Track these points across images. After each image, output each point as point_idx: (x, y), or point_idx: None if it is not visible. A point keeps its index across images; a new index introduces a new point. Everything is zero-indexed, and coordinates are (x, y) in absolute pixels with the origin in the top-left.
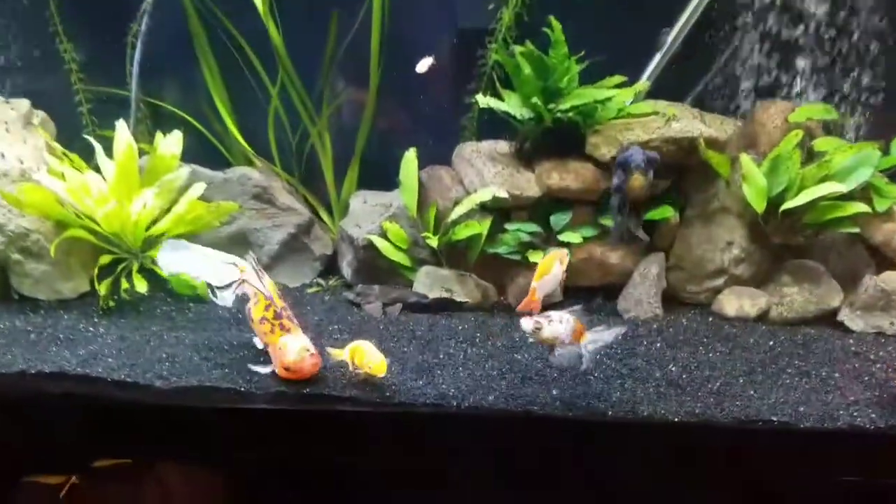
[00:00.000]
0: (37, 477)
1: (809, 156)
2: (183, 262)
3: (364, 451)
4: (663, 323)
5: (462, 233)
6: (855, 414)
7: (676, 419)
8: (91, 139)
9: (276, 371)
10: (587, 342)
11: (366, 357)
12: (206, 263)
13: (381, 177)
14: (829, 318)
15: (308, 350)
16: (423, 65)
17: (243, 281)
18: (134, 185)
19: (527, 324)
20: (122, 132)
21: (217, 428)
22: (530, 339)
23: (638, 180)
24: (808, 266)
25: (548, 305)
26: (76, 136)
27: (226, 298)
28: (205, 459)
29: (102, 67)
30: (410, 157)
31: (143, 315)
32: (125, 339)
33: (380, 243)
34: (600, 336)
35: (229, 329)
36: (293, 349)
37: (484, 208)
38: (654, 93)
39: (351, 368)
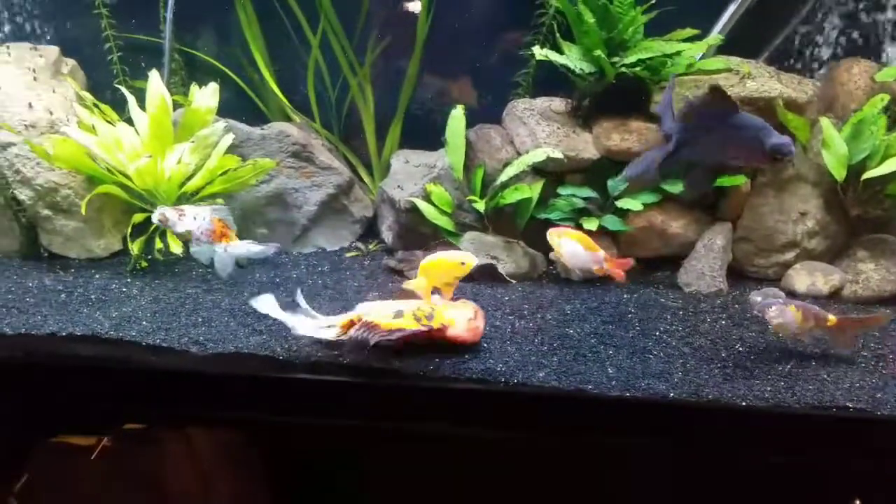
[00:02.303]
0: (67, 438)
1: (894, 121)
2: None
3: (404, 422)
4: (728, 298)
5: (511, 196)
6: None
7: (744, 403)
8: (124, 89)
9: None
10: (228, 245)
11: None
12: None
13: (426, 135)
14: None
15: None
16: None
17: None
18: (167, 140)
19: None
20: (155, 83)
21: (253, 395)
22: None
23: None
24: (887, 241)
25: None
26: (107, 86)
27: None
28: (238, 425)
29: (135, 13)
30: (458, 115)
31: (178, 276)
32: (159, 302)
33: (423, 206)
34: (247, 246)
35: (267, 293)
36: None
37: (535, 171)
38: (726, 48)
39: None
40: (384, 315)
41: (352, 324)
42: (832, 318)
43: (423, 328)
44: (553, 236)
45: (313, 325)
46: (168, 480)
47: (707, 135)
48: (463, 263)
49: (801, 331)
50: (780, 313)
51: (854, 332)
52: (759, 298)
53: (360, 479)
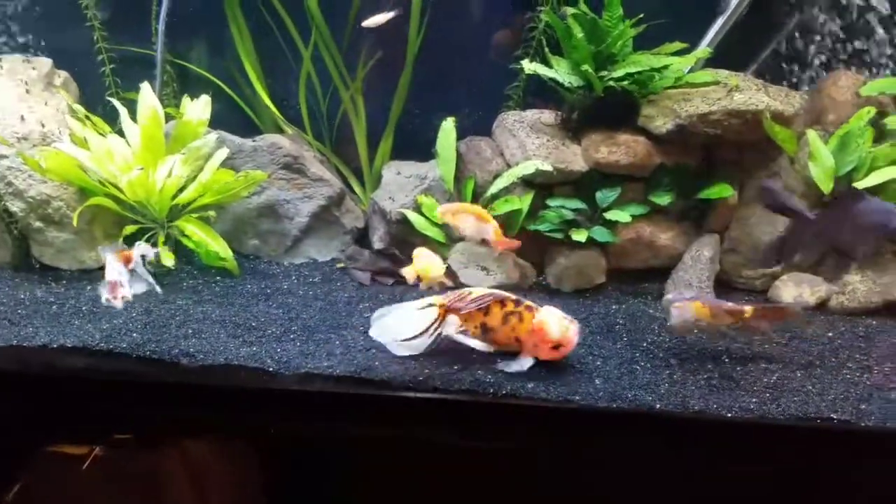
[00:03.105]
0: (59, 447)
1: (881, 134)
2: (387, 328)
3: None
4: None
5: (501, 208)
6: None
7: (730, 415)
8: (116, 102)
9: (539, 357)
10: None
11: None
12: (406, 319)
13: (417, 147)
14: (893, 310)
15: (566, 318)
16: (376, 19)
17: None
18: (159, 152)
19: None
20: (147, 95)
21: (244, 407)
22: None
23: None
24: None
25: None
26: (100, 98)
27: (420, 346)
28: (233, 434)
29: (127, 26)
30: (448, 127)
31: (169, 288)
32: (150, 313)
33: (413, 218)
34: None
35: (257, 304)
36: (554, 324)
37: (525, 182)
38: (714, 61)
39: None
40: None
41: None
42: (748, 309)
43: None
44: (448, 215)
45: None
46: (162, 489)
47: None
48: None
49: (710, 327)
50: (679, 313)
51: (770, 323)
52: (669, 297)
53: (354, 487)
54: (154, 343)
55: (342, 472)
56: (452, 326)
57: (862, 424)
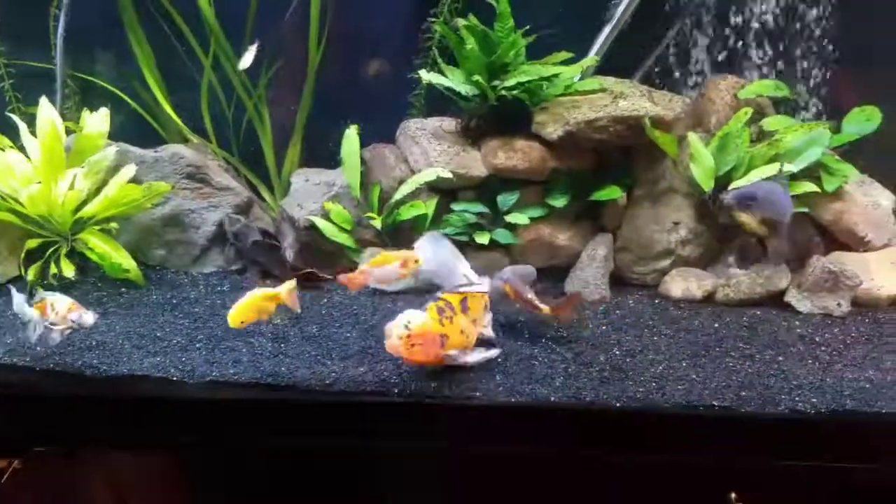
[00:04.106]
0: None
1: (760, 134)
2: (438, 257)
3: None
4: (610, 305)
5: (407, 213)
6: (797, 399)
7: (619, 404)
8: (15, 117)
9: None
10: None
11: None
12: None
13: (326, 154)
14: (776, 300)
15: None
16: (247, 58)
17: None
18: (59, 166)
19: None
20: (46, 109)
21: (148, 416)
22: None
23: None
24: (755, 247)
25: None
26: (0, 113)
27: None
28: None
29: (26, 40)
30: (351, 135)
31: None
32: None
33: (322, 224)
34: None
35: (163, 314)
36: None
37: (430, 188)
38: (603, 69)
39: None
40: None
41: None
42: (544, 308)
43: None
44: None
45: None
46: (83, 502)
47: None
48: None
49: (522, 308)
50: (496, 287)
51: (568, 313)
52: (499, 273)
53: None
54: (57, 356)
55: (265, 480)
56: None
57: (742, 411)
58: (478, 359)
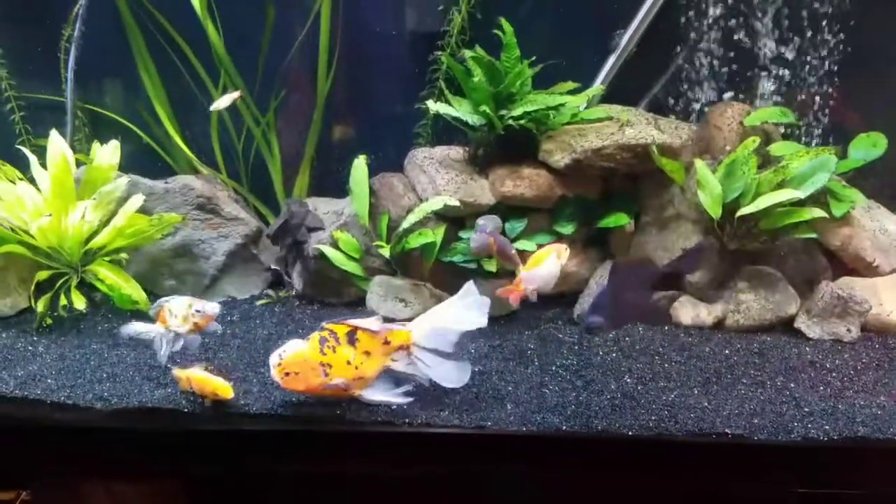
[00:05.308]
0: None
1: (766, 159)
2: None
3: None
4: (619, 332)
5: (415, 241)
6: (809, 426)
7: (631, 433)
8: (25, 150)
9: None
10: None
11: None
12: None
13: (334, 183)
14: (786, 326)
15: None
16: (224, 100)
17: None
18: (70, 198)
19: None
20: (56, 142)
21: (161, 447)
22: None
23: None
24: (764, 272)
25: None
26: (11, 146)
27: None
28: (151, 476)
29: (37, 73)
30: (360, 165)
31: (84, 332)
32: (65, 359)
33: (331, 253)
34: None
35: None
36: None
37: (438, 216)
38: (609, 97)
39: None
40: None
41: None
42: (522, 268)
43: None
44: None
45: None
46: None
47: None
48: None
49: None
50: (478, 241)
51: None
52: (481, 222)
53: None
54: (68, 388)
55: None
56: None
57: (754, 439)
58: (378, 399)
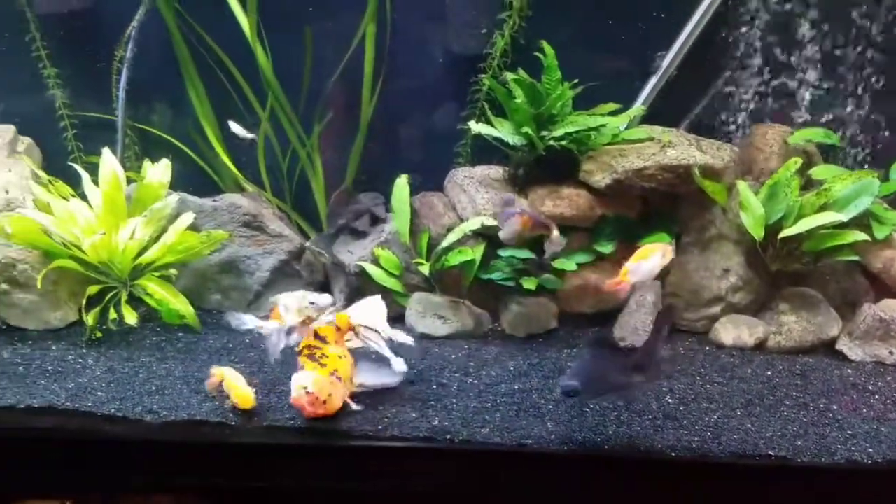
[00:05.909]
0: (31, 501)
1: (808, 182)
2: None
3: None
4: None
5: (454, 259)
6: (853, 448)
7: (674, 454)
8: (78, 167)
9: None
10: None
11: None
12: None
13: None
14: (827, 348)
15: (305, 387)
16: (239, 129)
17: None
18: (121, 214)
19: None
20: (108, 160)
21: (208, 461)
22: None
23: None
24: (806, 294)
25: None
26: (64, 161)
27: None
28: (204, 492)
29: (89, 92)
30: (402, 184)
31: (132, 346)
32: (114, 371)
33: (371, 270)
34: None
35: (220, 360)
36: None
37: (478, 234)
38: (650, 118)
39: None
40: None
41: None
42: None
43: None
44: None
45: None
46: None
47: None
48: None
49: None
50: (508, 226)
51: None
52: (504, 206)
53: None
54: (118, 401)
55: None
56: None
57: (798, 461)
58: (379, 382)
